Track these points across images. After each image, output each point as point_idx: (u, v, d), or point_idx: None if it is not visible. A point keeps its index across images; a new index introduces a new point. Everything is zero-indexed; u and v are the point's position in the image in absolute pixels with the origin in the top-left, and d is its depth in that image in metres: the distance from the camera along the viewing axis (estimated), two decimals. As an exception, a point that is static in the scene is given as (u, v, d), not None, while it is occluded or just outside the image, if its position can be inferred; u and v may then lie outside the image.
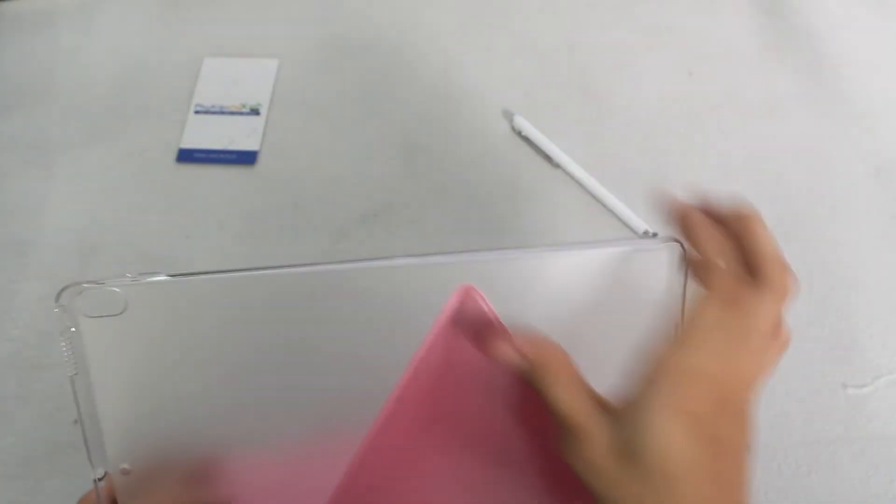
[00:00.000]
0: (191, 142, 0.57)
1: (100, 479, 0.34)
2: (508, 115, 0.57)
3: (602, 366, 0.32)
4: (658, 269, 0.32)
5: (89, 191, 0.55)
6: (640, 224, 0.51)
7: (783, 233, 0.51)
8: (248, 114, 0.59)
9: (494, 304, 0.33)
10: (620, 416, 0.27)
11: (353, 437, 0.35)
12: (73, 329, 0.32)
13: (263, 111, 0.59)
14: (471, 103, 0.58)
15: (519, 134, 0.56)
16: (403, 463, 0.38)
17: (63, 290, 0.31)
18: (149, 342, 0.33)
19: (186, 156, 0.57)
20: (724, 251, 0.29)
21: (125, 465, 0.34)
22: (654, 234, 0.50)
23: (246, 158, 0.56)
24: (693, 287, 0.30)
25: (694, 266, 0.30)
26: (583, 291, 0.33)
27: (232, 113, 0.59)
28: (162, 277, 0.32)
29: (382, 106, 0.59)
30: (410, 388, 0.35)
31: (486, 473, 0.40)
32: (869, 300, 0.49)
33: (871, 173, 0.54)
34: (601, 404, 0.28)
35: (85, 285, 0.31)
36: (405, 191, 0.54)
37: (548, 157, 0.55)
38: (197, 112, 0.59)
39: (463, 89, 0.59)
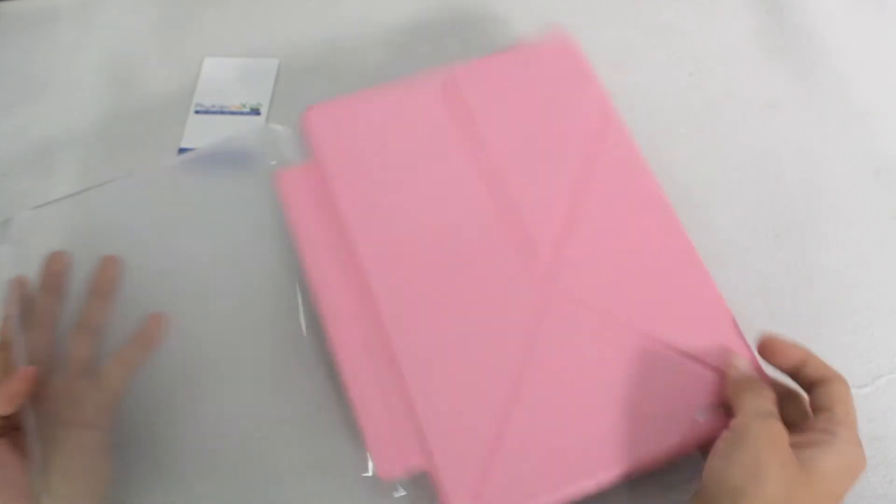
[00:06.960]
0: (191, 141, 0.57)
1: None
2: (508, 115, 0.57)
3: None
4: None
5: (89, 190, 0.56)
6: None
7: (783, 233, 0.51)
8: (248, 113, 0.59)
9: None
10: None
11: None
12: None
13: (264, 111, 0.59)
14: (471, 103, 0.58)
15: (519, 134, 0.56)
16: None
17: None
18: None
19: (186, 155, 0.57)
20: None
21: None
22: None
23: (246, 158, 0.56)
24: None
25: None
26: None
27: (232, 113, 0.59)
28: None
29: (382, 106, 0.59)
30: None
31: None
32: (869, 300, 0.49)
33: (871, 173, 0.54)
34: None
35: None
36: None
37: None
38: (197, 112, 0.59)
39: (463, 89, 0.59)
